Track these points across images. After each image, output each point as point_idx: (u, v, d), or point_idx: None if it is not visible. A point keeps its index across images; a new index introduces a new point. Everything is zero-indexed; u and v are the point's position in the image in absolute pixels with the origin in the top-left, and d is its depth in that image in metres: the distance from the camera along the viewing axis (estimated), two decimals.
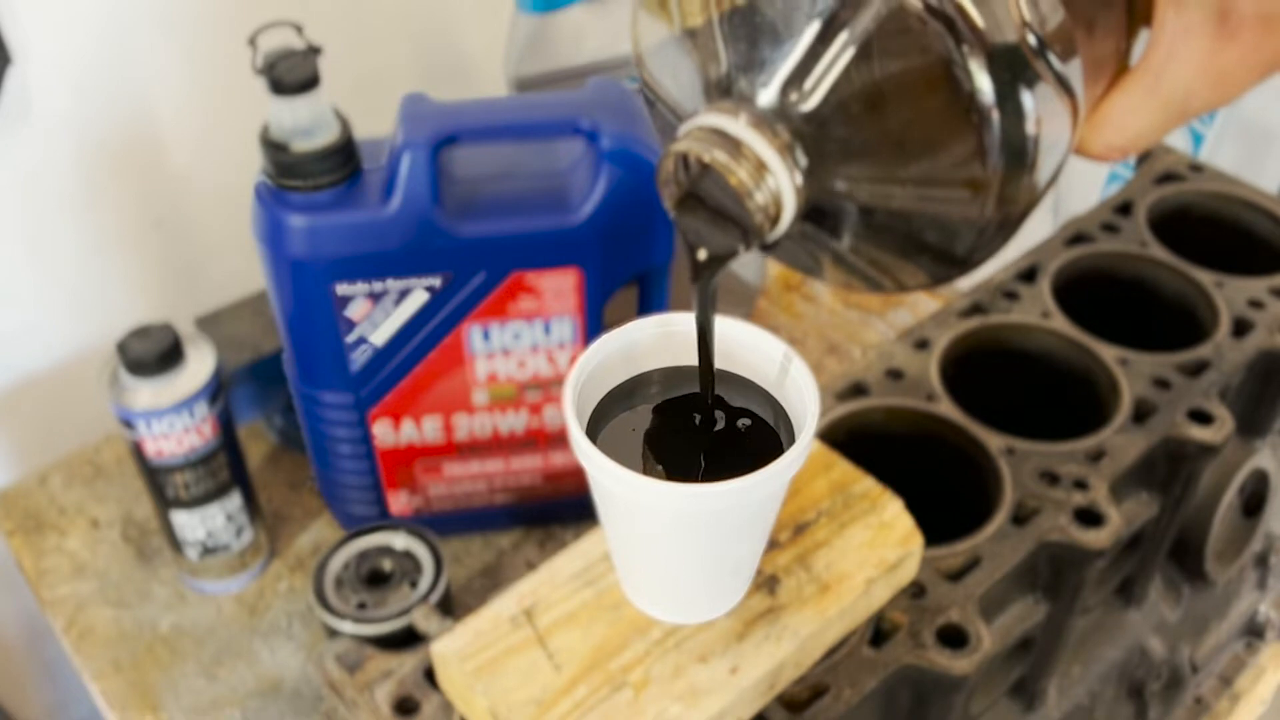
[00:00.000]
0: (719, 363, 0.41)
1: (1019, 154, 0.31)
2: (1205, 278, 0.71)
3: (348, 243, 0.63)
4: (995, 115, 0.30)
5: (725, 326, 0.40)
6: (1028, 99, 0.30)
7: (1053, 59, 0.30)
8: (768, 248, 0.36)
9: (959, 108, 0.30)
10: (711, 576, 0.42)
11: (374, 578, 0.70)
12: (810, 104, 0.32)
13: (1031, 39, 0.30)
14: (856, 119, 0.32)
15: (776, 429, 0.40)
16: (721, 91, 0.34)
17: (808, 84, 0.32)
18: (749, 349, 0.41)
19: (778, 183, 0.32)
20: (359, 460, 0.74)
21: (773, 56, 0.32)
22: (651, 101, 0.38)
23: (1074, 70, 0.32)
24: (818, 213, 0.34)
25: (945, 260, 0.34)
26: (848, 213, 0.34)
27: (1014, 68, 0.30)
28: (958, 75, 0.29)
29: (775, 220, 0.33)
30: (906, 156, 0.32)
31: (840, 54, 0.31)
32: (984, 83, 0.29)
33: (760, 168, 0.32)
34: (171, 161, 0.86)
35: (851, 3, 0.30)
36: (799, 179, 0.33)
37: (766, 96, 0.32)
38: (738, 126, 0.32)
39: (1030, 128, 0.30)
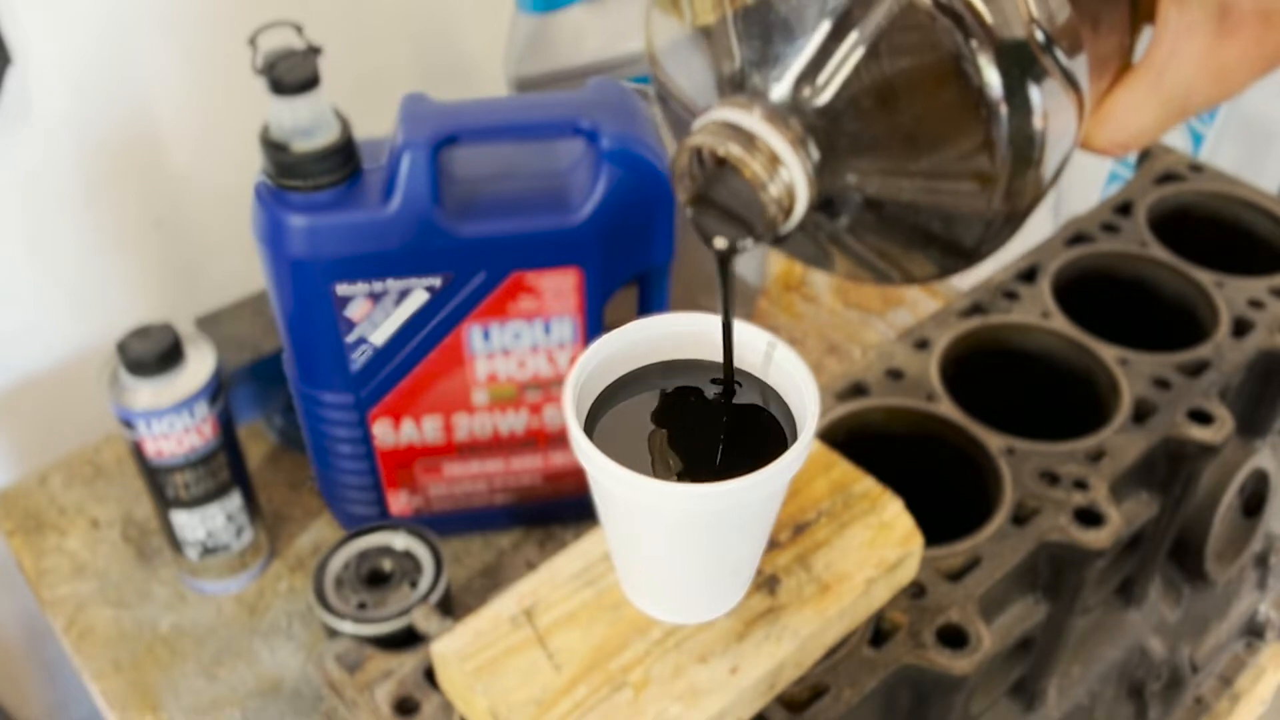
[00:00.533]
0: (714, 357, 0.41)
1: (1026, 148, 0.31)
2: (1205, 278, 0.71)
3: (348, 243, 0.63)
4: (1003, 110, 0.30)
5: (711, 324, 0.40)
6: (1035, 94, 0.30)
7: (1060, 55, 0.31)
8: (779, 240, 0.36)
9: (968, 102, 0.30)
10: (711, 576, 0.42)
11: (374, 578, 0.70)
12: (823, 98, 0.32)
13: (1039, 34, 0.30)
14: (868, 113, 0.32)
15: (779, 423, 0.40)
16: (735, 87, 0.34)
17: (820, 79, 0.32)
18: (755, 350, 0.41)
19: (791, 175, 0.33)
20: (359, 460, 0.74)
21: (786, 52, 0.33)
22: (664, 99, 0.38)
23: (1080, 66, 0.32)
24: (829, 205, 0.35)
25: (953, 252, 0.34)
26: (858, 205, 0.34)
27: (1022, 63, 0.30)
28: (967, 70, 0.30)
29: (789, 212, 0.34)
30: (916, 150, 0.32)
31: (852, 50, 0.31)
32: (992, 77, 0.30)
33: (774, 160, 0.33)
34: (171, 161, 0.86)
35: (863, 2, 0.31)
36: (812, 172, 0.33)
37: (779, 91, 0.33)
38: (751, 120, 0.33)
39: (1037, 122, 0.31)
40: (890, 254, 0.36)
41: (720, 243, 0.36)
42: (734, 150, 0.33)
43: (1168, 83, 0.34)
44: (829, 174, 0.33)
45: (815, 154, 0.33)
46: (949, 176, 0.32)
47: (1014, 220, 0.33)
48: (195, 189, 0.88)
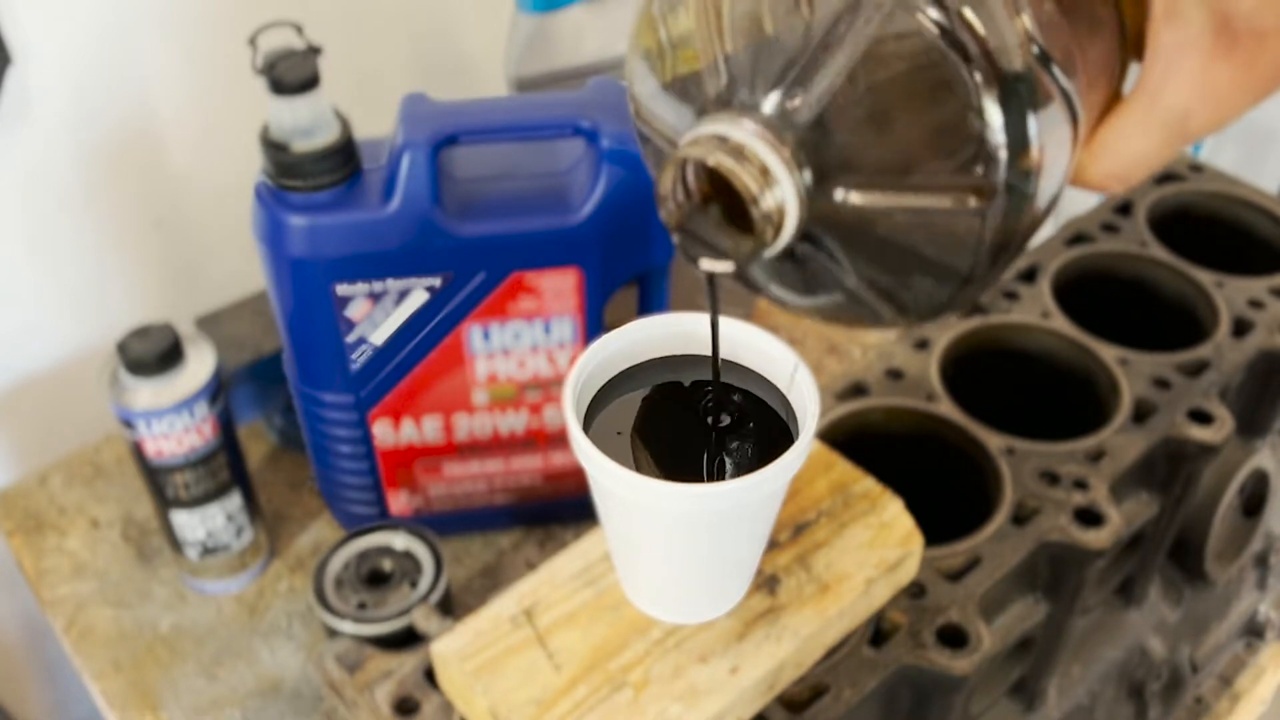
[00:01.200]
0: (733, 359, 0.41)
1: (1023, 168, 0.30)
2: (1205, 278, 0.72)
3: (348, 243, 0.63)
4: (999, 127, 0.29)
5: (742, 331, 0.40)
6: (1031, 111, 0.30)
7: (1056, 73, 0.30)
8: (755, 284, 0.35)
9: (962, 118, 0.30)
10: (711, 576, 0.42)
11: (374, 578, 0.70)
12: (813, 114, 0.32)
13: (1035, 50, 0.30)
14: (859, 130, 0.32)
15: (782, 420, 0.40)
16: (722, 104, 0.33)
17: (811, 93, 0.31)
18: (761, 353, 0.41)
19: (782, 191, 0.32)
20: (359, 460, 0.74)
21: (775, 68, 0.32)
22: (646, 138, 0.37)
23: (1074, 89, 0.31)
24: (815, 237, 0.34)
25: (946, 279, 0.33)
26: (847, 230, 0.33)
27: (1017, 79, 0.29)
28: (960, 85, 0.29)
29: (779, 229, 0.33)
30: (909, 170, 0.31)
31: (843, 65, 0.31)
32: (987, 95, 0.29)
33: (765, 173, 0.32)
34: (171, 161, 0.86)
35: (852, 14, 0.30)
36: (802, 190, 0.32)
37: (769, 105, 0.32)
38: (741, 132, 0.32)
39: (1035, 146, 0.30)
40: (879, 285, 0.34)
41: (707, 264, 0.35)
42: (725, 161, 0.31)
43: (1162, 106, 0.32)
44: (819, 193, 0.33)
45: (807, 172, 0.32)
46: (942, 194, 0.31)
47: (1010, 246, 0.32)
48: (195, 189, 0.88)
